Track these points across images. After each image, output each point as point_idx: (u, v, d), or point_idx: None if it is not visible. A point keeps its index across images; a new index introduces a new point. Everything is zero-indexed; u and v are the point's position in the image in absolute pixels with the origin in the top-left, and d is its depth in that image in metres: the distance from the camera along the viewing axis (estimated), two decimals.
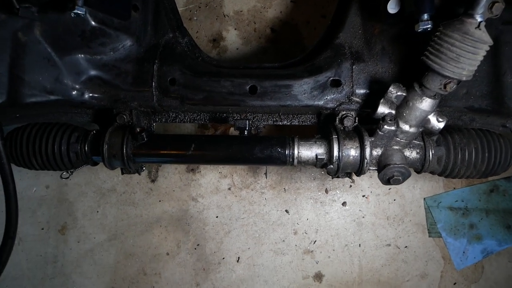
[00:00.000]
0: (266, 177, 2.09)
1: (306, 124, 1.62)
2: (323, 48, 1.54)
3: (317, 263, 2.06)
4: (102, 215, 2.12)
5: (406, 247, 2.05)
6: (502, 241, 2.04)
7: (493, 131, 1.45)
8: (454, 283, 2.05)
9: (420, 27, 1.20)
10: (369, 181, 2.08)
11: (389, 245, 2.05)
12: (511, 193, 2.06)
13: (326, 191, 2.08)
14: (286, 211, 2.08)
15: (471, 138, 1.41)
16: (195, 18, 2.18)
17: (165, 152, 1.45)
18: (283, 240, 2.07)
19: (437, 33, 1.17)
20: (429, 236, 2.05)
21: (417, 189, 2.07)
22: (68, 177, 1.50)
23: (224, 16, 2.18)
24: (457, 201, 2.07)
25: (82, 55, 1.44)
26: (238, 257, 2.08)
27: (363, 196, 2.08)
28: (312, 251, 2.07)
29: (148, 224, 2.11)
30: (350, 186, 2.08)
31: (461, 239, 2.04)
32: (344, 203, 2.08)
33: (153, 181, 2.12)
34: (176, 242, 2.10)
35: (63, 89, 1.42)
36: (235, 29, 2.18)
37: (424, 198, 2.07)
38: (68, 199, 2.13)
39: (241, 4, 2.18)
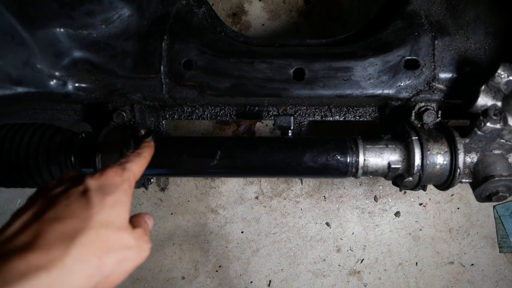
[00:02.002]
0: (302, 183, 1.91)
1: (365, 119, 1.33)
2: (390, 17, 1.25)
3: (365, 286, 1.90)
4: None
5: (472, 265, 1.89)
6: None
7: None
8: None
9: None
10: None
11: (452, 262, 1.89)
12: None
13: (376, 199, 1.89)
14: (327, 224, 1.90)
15: None
16: None
17: (181, 162, 1.12)
18: (324, 259, 1.90)
19: None
20: (500, 252, 1.89)
21: None
22: None
23: None
24: None
25: (62, 30, 1.12)
26: (269, 281, 1.91)
27: (420, 204, 1.88)
28: (359, 271, 1.90)
29: (158, 242, 1.93)
30: (405, 192, 1.86)
31: None
32: (397, 213, 1.89)
33: (162, 189, 1.93)
34: (193, 263, 1.93)
35: (36, 77, 1.11)
36: (260, 0, 1.93)
37: (494, 206, 1.89)
38: None
39: None
